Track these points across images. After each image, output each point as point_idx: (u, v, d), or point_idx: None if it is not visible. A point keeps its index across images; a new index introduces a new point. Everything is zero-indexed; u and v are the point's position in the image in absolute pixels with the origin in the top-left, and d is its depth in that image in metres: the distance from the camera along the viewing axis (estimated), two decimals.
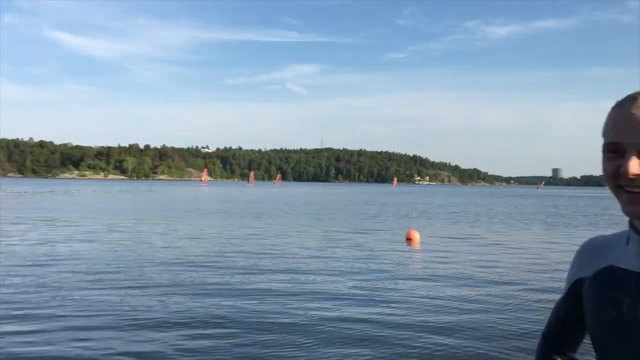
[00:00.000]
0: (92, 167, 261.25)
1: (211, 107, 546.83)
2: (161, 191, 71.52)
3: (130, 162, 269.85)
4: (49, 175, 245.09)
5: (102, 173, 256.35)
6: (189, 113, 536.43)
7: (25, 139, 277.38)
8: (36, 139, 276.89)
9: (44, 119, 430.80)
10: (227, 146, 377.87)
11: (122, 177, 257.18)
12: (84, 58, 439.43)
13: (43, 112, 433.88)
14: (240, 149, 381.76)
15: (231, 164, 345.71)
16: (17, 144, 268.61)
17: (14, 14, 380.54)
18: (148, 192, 68.12)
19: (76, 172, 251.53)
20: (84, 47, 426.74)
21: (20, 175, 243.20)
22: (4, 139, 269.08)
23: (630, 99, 1.02)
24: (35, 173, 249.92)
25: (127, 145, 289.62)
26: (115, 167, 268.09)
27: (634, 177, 0.98)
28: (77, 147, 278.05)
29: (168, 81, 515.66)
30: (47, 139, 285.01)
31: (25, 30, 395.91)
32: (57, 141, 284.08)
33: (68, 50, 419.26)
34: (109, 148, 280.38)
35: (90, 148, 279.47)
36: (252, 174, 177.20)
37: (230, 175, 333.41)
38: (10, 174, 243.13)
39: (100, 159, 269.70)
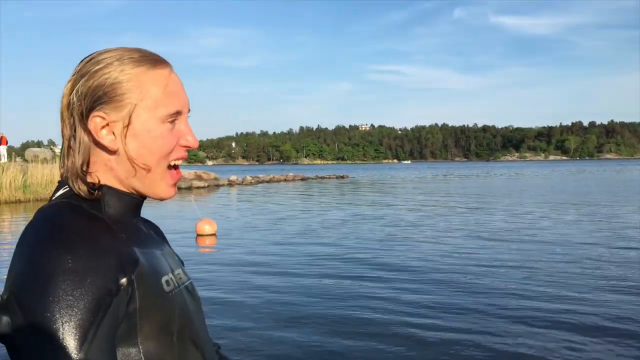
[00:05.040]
0: (532, 149, 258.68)
1: None
2: (610, 171, 59.85)
3: (572, 142, 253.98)
4: (491, 158, 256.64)
5: (542, 154, 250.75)
6: None
7: (471, 125, 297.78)
8: (480, 125, 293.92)
9: (488, 104, 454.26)
10: None
11: (564, 157, 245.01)
12: (527, 39, 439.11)
13: (487, 98, 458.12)
14: None
15: None
16: (463, 130, 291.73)
17: (462, 7, 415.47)
18: (596, 173, 57.79)
19: (517, 154, 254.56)
20: (527, 27, 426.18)
21: (466, 160, 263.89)
22: (452, 126, 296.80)
23: None
24: (479, 157, 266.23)
25: (569, 124, 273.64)
26: (557, 148, 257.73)
27: None
28: (518, 129, 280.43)
29: (617, 50, 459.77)
30: (489, 123, 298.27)
31: (472, 21, 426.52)
32: (499, 125, 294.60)
33: (512, 34, 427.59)
34: (550, 128, 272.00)
35: (530, 129, 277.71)
36: None
37: None
38: (457, 159, 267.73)
39: (540, 140, 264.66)
